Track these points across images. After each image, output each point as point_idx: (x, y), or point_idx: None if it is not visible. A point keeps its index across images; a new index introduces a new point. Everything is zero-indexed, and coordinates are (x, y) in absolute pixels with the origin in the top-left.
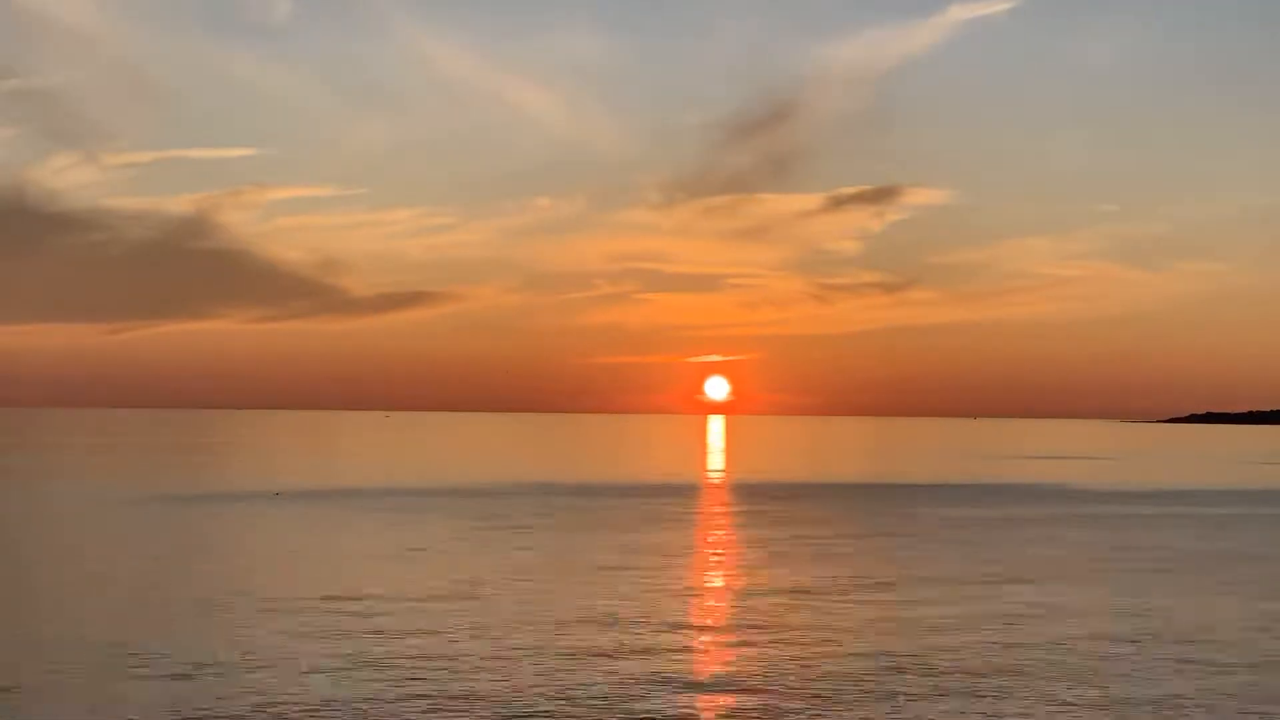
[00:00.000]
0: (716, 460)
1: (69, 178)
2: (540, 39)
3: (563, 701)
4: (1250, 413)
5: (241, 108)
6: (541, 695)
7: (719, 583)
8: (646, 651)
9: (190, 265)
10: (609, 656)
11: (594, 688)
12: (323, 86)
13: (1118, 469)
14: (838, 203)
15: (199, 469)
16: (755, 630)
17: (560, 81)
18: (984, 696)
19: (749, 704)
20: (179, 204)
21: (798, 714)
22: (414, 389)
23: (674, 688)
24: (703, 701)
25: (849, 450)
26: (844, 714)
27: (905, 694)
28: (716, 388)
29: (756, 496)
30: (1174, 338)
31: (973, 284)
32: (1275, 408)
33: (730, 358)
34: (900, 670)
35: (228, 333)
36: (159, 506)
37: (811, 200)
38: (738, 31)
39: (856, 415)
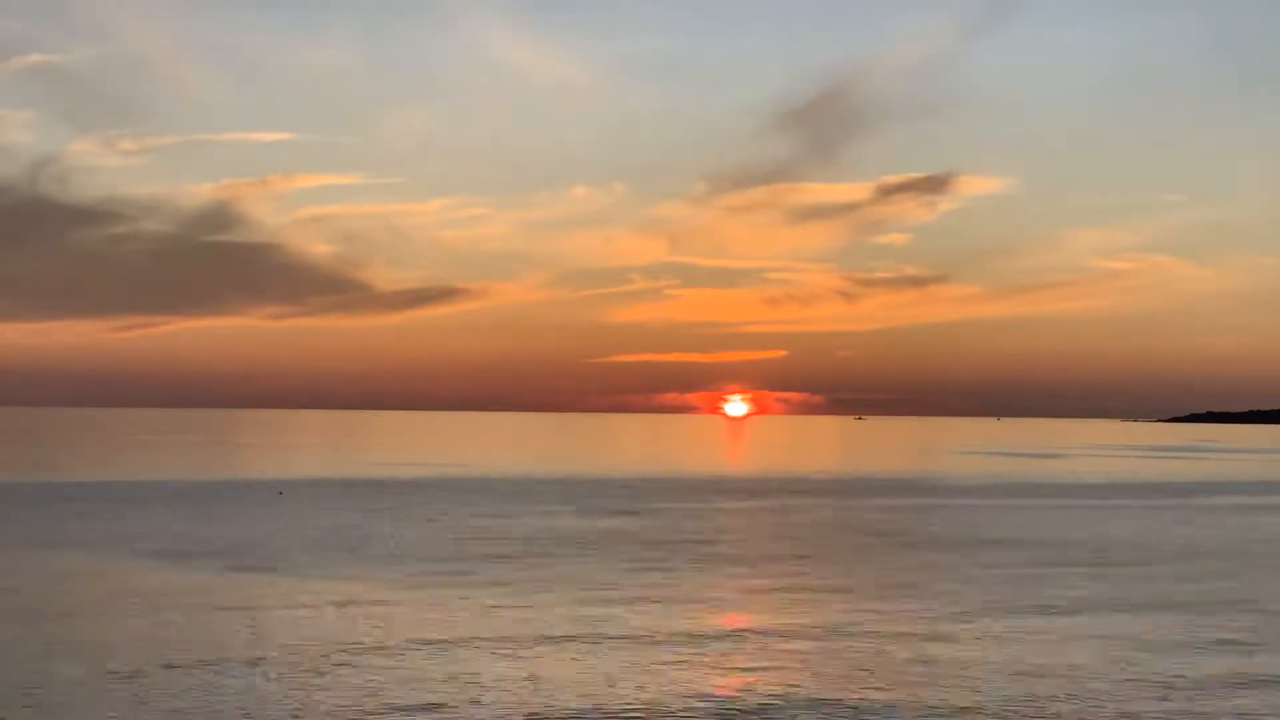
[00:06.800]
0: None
1: (86, 165)
2: (582, 22)
3: None
4: (1250, 412)
5: (273, 90)
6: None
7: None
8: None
9: (210, 258)
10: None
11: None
12: (360, 68)
13: None
14: (886, 192)
15: (203, 466)
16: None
17: (602, 66)
18: None
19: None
20: (201, 193)
21: None
22: (427, 388)
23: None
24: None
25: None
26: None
27: None
28: (735, 399)
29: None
30: (1202, 335)
31: (1016, 278)
32: (1275, 407)
33: (753, 356)
34: None
35: (246, 329)
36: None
37: (859, 189)
38: (785, 12)
39: (878, 416)
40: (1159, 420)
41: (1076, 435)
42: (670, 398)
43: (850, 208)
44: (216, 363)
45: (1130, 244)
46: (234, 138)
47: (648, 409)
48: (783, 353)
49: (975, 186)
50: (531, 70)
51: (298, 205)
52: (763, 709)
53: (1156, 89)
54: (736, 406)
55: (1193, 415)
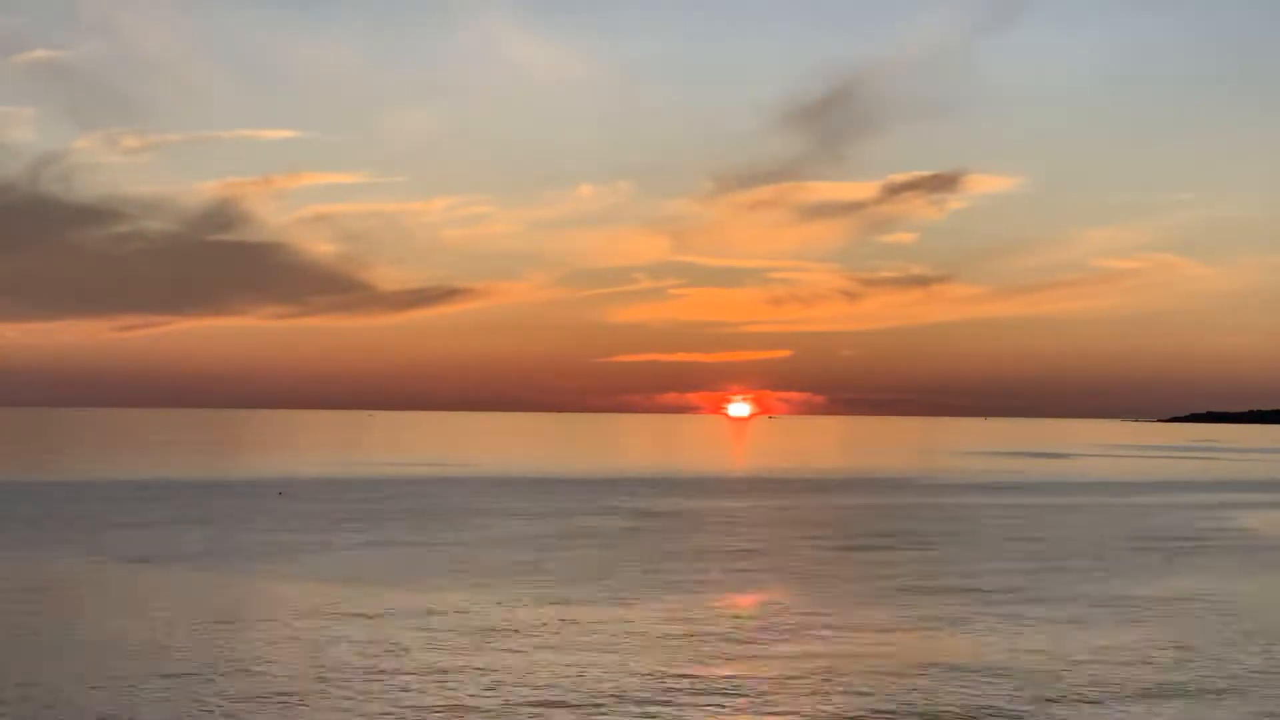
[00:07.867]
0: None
1: (88, 163)
2: (587, 21)
3: None
4: (1251, 412)
5: (277, 88)
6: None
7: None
8: None
9: (212, 257)
10: None
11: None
12: (364, 67)
13: None
14: (893, 190)
15: (204, 466)
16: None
17: (607, 64)
18: None
19: None
20: (204, 191)
21: None
22: (430, 388)
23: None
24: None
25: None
26: None
27: None
28: (738, 399)
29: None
30: (1204, 334)
31: (1022, 277)
32: (1276, 407)
33: (756, 356)
34: None
35: (248, 329)
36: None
37: (866, 188)
38: (792, 11)
39: (881, 416)
40: (1160, 420)
41: (1076, 435)
42: (672, 398)
43: (857, 206)
44: (217, 363)
45: (1137, 243)
46: (237, 136)
47: (650, 409)
48: (786, 352)
49: (983, 185)
50: (537, 69)
51: (301, 204)
52: None
53: (1163, 88)
54: (739, 407)
55: (1193, 415)
